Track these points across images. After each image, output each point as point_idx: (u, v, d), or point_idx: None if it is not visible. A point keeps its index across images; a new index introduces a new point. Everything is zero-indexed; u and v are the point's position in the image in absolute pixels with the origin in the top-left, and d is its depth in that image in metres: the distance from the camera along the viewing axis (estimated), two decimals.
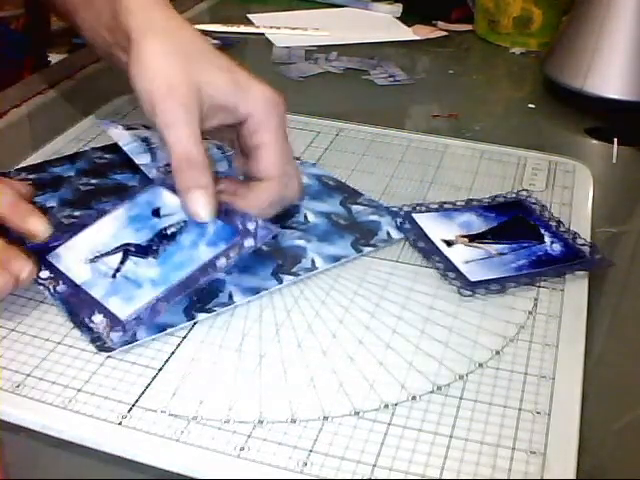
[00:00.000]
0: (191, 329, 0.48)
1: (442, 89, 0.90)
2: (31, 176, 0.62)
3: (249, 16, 1.08)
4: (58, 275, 0.49)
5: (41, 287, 0.49)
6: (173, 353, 0.46)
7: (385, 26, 1.08)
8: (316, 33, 1.03)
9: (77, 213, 0.57)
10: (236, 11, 1.11)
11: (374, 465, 0.39)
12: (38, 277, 0.49)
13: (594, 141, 0.77)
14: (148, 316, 0.46)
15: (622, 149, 0.74)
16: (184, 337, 0.47)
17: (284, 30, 1.03)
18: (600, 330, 0.50)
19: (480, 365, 0.46)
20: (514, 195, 0.62)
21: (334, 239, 0.56)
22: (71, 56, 0.94)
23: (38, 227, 0.49)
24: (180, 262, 0.49)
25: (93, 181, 0.62)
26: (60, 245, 0.51)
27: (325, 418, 0.42)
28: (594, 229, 0.59)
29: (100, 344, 0.46)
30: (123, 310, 0.47)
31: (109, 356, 0.45)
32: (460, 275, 0.53)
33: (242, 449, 0.40)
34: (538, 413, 0.43)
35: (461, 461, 0.40)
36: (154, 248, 0.50)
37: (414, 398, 0.43)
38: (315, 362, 0.46)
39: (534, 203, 0.61)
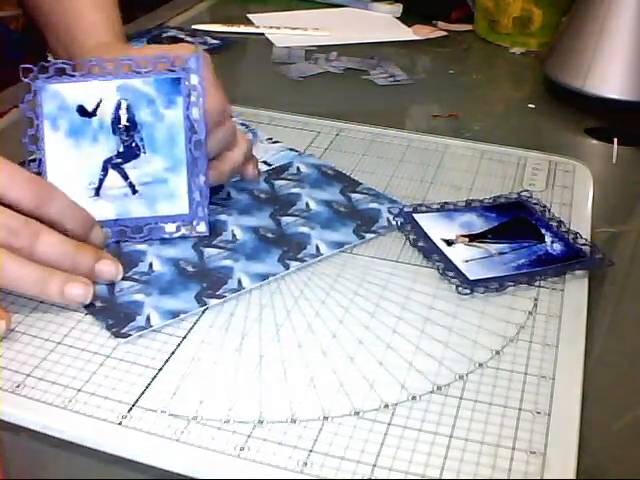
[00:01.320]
0: (191, 329, 0.48)
1: (442, 89, 0.90)
2: None
3: (249, 16, 1.08)
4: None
5: None
6: (173, 353, 0.46)
7: (385, 26, 1.08)
8: (316, 33, 1.03)
9: None
10: (236, 11, 1.11)
11: (374, 465, 0.39)
12: None
13: (594, 141, 0.77)
14: (203, 197, 0.50)
15: (622, 149, 0.74)
16: (184, 337, 0.47)
17: (284, 30, 1.03)
18: (600, 330, 0.50)
19: (480, 365, 0.46)
20: (516, 195, 0.62)
21: (337, 226, 0.57)
22: None
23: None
24: (168, 137, 0.50)
25: None
26: None
27: (325, 418, 0.42)
28: (594, 229, 0.59)
29: (116, 330, 0.46)
30: (180, 207, 0.48)
31: (109, 356, 0.45)
32: (459, 274, 0.53)
33: (242, 449, 0.40)
34: (538, 413, 0.43)
35: (461, 461, 0.40)
36: (133, 145, 0.51)
37: (414, 398, 0.43)
38: (315, 362, 0.46)
39: (535, 204, 0.61)
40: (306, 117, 0.75)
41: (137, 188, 0.51)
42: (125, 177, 0.51)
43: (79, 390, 0.43)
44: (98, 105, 0.52)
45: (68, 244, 0.48)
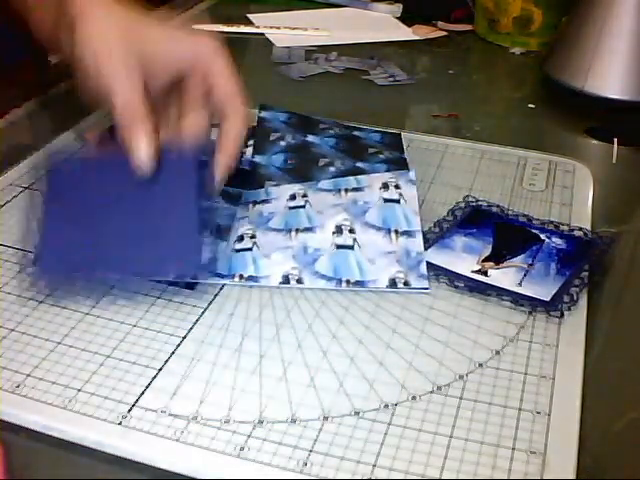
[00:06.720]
0: (191, 329, 0.48)
1: (442, 89, 0.90)
2: None
3: (249, 16, 1.08)
4: None
5: None
6: (173, 353, 0.46)
7: (385, 26, 1.08)
8: (316, 33, 1.03)
9: None
10: (236, 11, 1.11)
11: (374, 465, 0.39)
12: None
13: (594, 141, 0.77)
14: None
15: (622, 149, 0.73)
16: (184, 337, 0.47)
17: (284, 30, 1.03)
18: (600, 330, 0.50)
19: (480, 365, 0.46)
20: (464, 203, 0.60)
21: None
22: None
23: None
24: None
25: None
26: None
27: (325, 418, 0.42)
28: (594, 229, 0.59)
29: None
30: None
31: (109, 356, 0.45)
32: (532, 300, 0.50)
33: (242, 449, 0.40)
34: (538, 413, 0.43)
35: (461, 461, 0.40)
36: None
37: (414, 398, 0.43)
38: (315, 362, 0.46)
39: (489, 205, 0.60)
40: None
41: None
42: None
43: (79, 390, 0.43)
44: None
45: None
